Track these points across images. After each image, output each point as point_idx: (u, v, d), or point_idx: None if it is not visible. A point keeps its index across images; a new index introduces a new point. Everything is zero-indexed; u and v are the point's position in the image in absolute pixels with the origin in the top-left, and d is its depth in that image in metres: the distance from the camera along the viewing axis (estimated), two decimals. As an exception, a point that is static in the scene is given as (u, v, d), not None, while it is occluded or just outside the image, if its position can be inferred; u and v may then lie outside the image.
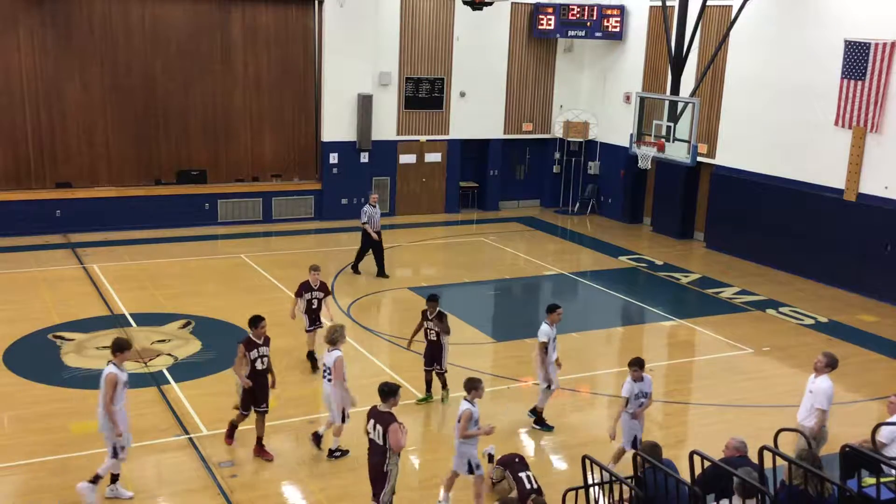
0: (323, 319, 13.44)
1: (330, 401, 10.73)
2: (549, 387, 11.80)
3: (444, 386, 12.47)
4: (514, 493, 9.54)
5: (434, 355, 12.35)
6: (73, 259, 19.05)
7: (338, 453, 10.86)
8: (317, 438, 11.01)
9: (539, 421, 11.91)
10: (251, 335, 10.61)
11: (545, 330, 11.67)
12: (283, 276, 18.16)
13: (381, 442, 8.70)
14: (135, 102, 21.64)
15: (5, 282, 17.26)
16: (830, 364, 10.02)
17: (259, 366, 10.56)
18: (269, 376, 10.76)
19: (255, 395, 10.64)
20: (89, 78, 21.13)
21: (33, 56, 20.53)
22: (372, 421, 8.82)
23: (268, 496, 10.01)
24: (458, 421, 9.45)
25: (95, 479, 9.56)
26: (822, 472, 7.12)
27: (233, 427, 10.95)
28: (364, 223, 18.41)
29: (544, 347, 11.62)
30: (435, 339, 12.28)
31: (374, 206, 18.55)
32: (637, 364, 10.30)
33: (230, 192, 22.68)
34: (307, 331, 13.51)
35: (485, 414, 12.31)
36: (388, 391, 8.85)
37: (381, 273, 18.61)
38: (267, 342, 10.70)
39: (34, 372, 13.04)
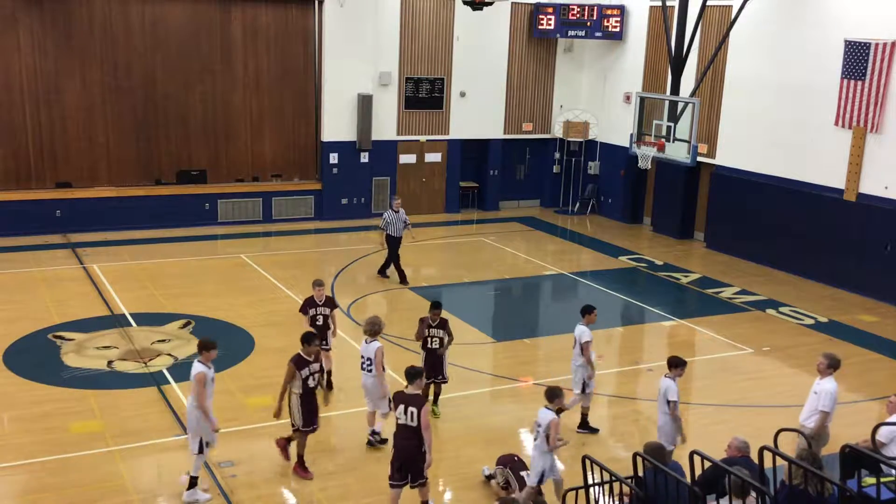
0: (330, 340, 12.63)
1: (372, 393, 10.97)
2: (583, 390, 11.65)
3: (436, 400, 12.09)
4: (516, 494, 9.55)
5: (436, 365, 11.85)
6: (73, 259, 19.05)
7: (377, 438, 11.10)
8: (374, 435, 11.16)
9: (584, 425, 11.80)
10: (302, 353, 10.11)
11: (587, 331, 11.54)
12: (283, 276, 18.18)
13: (414, 424, 8.98)
14: (135, 102, 21.64)
15: (5, 282, 17.26)
16: (832, 365, 10.00)
17: (311, 383, 10.21)
18: (320, 393, 10.55)
19: (310, 413, 10.29)
20: (89, 78, 21.13)
21: (33, 56, 20.53)
22: (402, 405, 9.02)
23: (268, 496, 10.00)
24: (545, 431, 9.28)
25: (193, 482, 9.74)
26: (822, 472, 7.12)
27: (288, 441, 10.54)
28: (381, 228, 18.10)
29: (589, 347, 11.52)
30: (438, 347, 11.84)
31: (397, 212, 17.93)
32: (684, 364, 10.30)
33: (230, 192, 22.69)
34: None
35: (485, 413, 12.36)
36: (415, 373, 9.24)
37: (382, 272, 18.44)
38: (318, 359, 10.38)
39: (34, 372, 13.04)
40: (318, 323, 12.37)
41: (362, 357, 10.93)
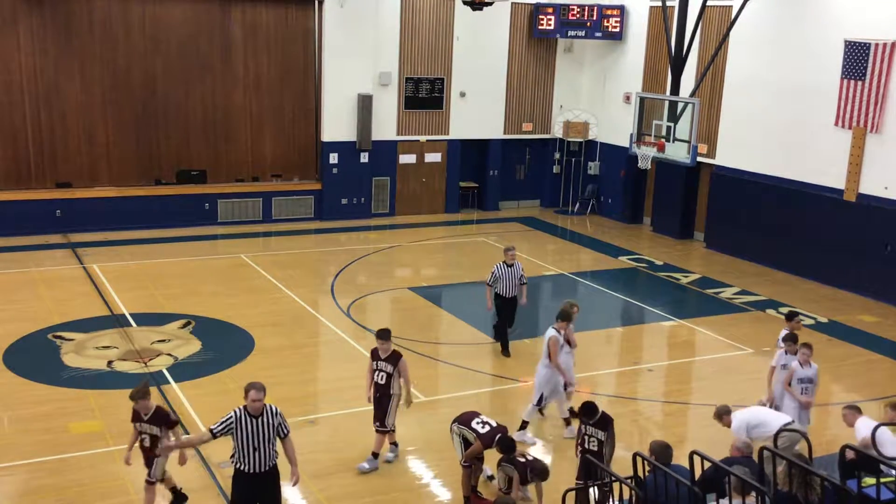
0: (157, 467, 9.13)
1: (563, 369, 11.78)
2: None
3: None
4: (476, 444, 9.55)
5: (590, 470, 9.02)
6: (73, 259, 19.05)
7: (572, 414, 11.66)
8: (571, 413, 11.59)
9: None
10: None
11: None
12: (283, 276, 18.18)
13: (384, 382, 10.48)
14: (135, 102, 21.65)
15: (5, 282, 17.26)
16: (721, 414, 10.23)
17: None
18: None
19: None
20: (89, 78, 21.14)
21: (33, 56, 20.53)
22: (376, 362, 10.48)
23: (268, 496, 9.99)
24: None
25: (524, 425, 11.53)
26: (820, 472, 7.11)
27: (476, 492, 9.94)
28: (488, 284, 14.27)
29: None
30: (597, 449, 9.36)
31: (510, 265, 14.03)
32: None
33: (230, 192, 22.68)
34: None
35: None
36: (386, 334, 10.50)
37: (504, 350, 14.46)
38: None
39: (34, 372, 13.04)
40: (144, 444, 9.18)
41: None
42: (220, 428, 8.22)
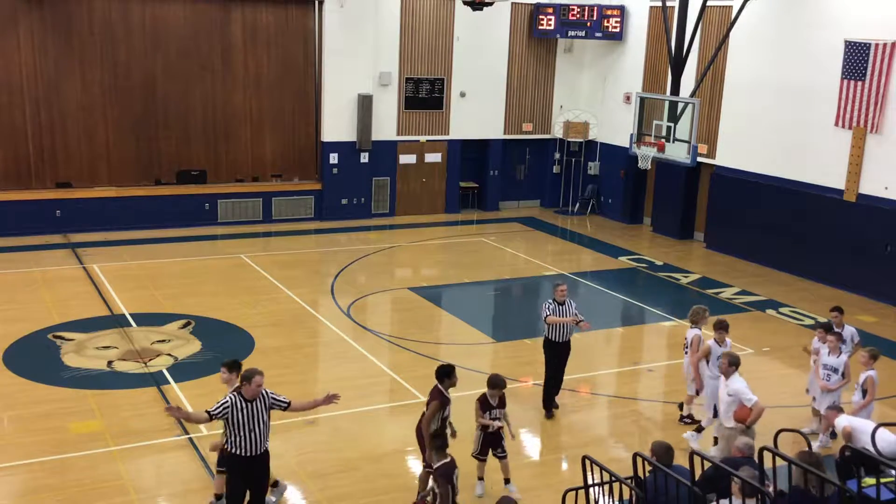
0: None
1: (685, 374, 12.14)
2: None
3: None
4: (432, 405, 9.51)
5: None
6: (73, 259, 19.05)
7: (688, 419, 12.03)
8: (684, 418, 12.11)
9: None
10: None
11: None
12: (283, 276, 18.18)
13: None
14: (135, 102, 21.64)
15: (5, 282, 17.26)
16: (734, 363, 10.18)
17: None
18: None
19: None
20: (89, 78, 21.13)
21: (33, 56, 20.52)
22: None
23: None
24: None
25: (699, 429, 11.38)
26: (823, 473, 7.12)
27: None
28: (546, 320, 11.99)
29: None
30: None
31: (562, 304, 11.87)
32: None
33: (230, 192, 22.68)
34: None
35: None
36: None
37: (547, 405, 12.34)
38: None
39: (34, 372, 13.04)
40: None
41: (685, 339, 12.06)
42: (217, 410, 8.41)
